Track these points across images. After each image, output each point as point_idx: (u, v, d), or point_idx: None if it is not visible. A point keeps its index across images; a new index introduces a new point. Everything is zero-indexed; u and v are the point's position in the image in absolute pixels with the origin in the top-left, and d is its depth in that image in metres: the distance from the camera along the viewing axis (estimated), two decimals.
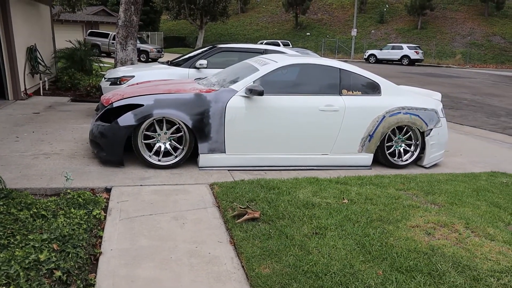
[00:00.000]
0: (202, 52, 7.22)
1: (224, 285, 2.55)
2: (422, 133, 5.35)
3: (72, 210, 3.01)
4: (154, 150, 4.53)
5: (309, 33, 46.52)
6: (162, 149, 4.57)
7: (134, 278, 2.52)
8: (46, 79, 9.68)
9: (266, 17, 50.98)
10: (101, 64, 11.18)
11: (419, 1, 42.10)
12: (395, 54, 33.94)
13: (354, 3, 46.79)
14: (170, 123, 4.54)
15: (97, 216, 3.18)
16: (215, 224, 3.35)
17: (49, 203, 3.07)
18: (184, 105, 4.45)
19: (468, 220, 3.43)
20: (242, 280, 2.61)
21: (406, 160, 5.41)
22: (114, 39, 24.39)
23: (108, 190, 3.91)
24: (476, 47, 40.00)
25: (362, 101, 5.07)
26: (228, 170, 4.68)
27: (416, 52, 33.72)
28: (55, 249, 2.45)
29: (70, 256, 2.43)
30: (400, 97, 5.30)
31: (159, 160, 4.56)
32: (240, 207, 3.40)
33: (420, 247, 2.93)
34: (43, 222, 2.74)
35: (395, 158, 5.36)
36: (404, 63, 33.11)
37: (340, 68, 5.10)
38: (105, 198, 3.68)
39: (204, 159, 4.63)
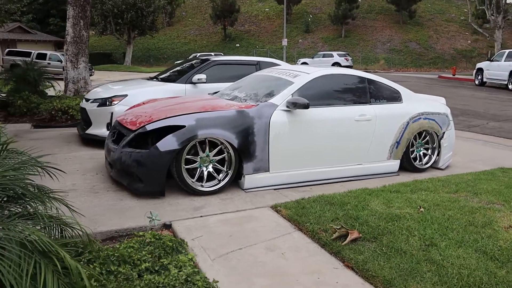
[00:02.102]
0: (194, 66, 6.88)
1: None
2: (437, 137, 5.56)
3: (174, 256, 2.61)
4: (197, 175, 4.16)
5: (238, 44, 47.08)
6: (205, 173, 4.21)
7: None
8: None
9: (193, 30, 50.69)
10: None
11: (341, 11, 44.68)
12: (327, 62, 35.49)
13: (280, 14, 48.39)
14: (212, 144, 4.21)
15: (193, 259, 2.79)
16: (314, 249, 3.13)
17: (138, 252, 2.63)
18: (228, 124, 4.16)
19: None
20: None
21: (427, 163, 5.59)
22: (38, 57, 22.54)
23: (167, 227, 3.49)
24: (396, 53, 43.36)
25: (389, 109, 5.15)
26: (274, 189, 4.45)
27: (346, 59, 35.69)
28: None
29: None
30: (418, 103, 5.48)
31: (202, 186, 4.19)
32: (340, 228, 3.22)
33: None
34: (154, 276, 2.33)
35: (417, 162, 5.51)
36: None
37: (367, 78, 5.15)
38: (170, 235, 3.28)
39: (249, 180, 4.35)
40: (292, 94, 4.55)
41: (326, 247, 3.13)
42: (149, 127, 4.09)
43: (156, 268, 2.41)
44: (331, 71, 5.01)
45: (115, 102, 6.07)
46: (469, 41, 45.13)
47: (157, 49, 46.89)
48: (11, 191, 2.02)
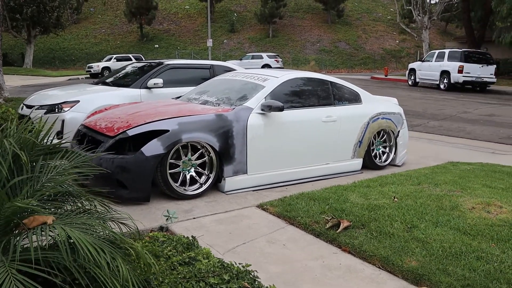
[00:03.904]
0: (146, 70, 7.23)
1: (384, 285, 3.04)
2: (394, 135, 6.52)
3: (195, 250, 3.08)
4: (180, 179, 4.60)
5: (157, 45, 46.87)
6: (188, 177, 4.66)
7: None
8: None
9: (104, 28, 49.47)
10: None
11: (268, 10, 46.50)
12: (256, 64, 36.75)
13: (202, 12, 49.03)
14: (193, 148, 4.68)
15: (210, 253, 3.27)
16: (310, 239, 3.75)
17: (164, 248, 3.07)
18: (209, 127, 4.66)
19: (494, 198, 4.56)
20: (395, 278, 3.13)
21: (385, 160, 6.51)
22: None
23: (162, 229, 3.90)
24: (326, 53, 46.09)
25: (351, 110, 5.98)
26: (253, 190, 5.02)
27: (276, 60, 37.24)
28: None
29: None
30: (376, 103, 6.39)
31: (185, 190, 4.64)
32: (332, 219, 3.88)
33: (495, 221, 3.92)
34: (188, 267, 2.79)
35: (377, 160, 6.40)
36: None
37: (330, 81, 5.93)
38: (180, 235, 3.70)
39: (230, 182, 4.88)
40: (265, 98, 5.17)
41: (321, 236, 3.77)
42: (131, 132, 4.45)
43: (186, 260, 2.86)
44: (298, 75, 5.72)
45: (66, 109, 6.24)
46: (397, 41, 49.35)
47: (63, 49, 45.10)
48: (61, 187, 2.39)
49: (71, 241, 2.00)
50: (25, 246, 2.08)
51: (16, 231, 2.01)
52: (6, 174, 1.97)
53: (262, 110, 5.05)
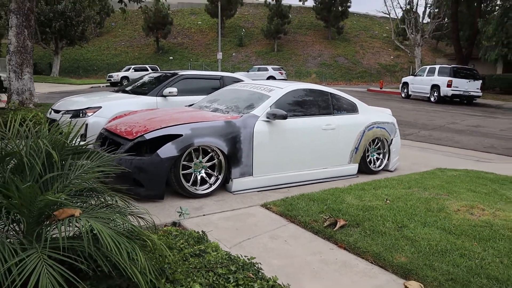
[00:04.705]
0: (162, 79, 7.31)
1: (376, 279, 3.07)
2: (387, 143, 6.54)
3: (205, 243, 3.13)
4: (192, 180, 4.65)
5: (172, 57, 47.11)
6: (199, 178, 4.72)
7: None
8: None
9: (124, 41, 49.83)
10: None
11: (273, 26, 46.69)
12: (262, 76, 36.84)
13: (213, 28, 49.32)
14: (203, 151, 4.73)
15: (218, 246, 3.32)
16: (310, 236, 3.79)
17: (177, 240, 3.12)
18: (219, 133, 4.72)
19: (477, 201, 4.57)
20: (386, 272, 3.16)
21: (379, 166, 6.54)
22: None
23: (175, 224, 3.95)
24: (326, 67, 46.13)
25: (348, 119, 6.02)
26: (258, 191, 5.06)
27: (280, 72, 37.28)
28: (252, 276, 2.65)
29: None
30: (371, 114, 6.43)
31: (196, 189, 4.69)
32: (329, 218, 3.92)
33: (477, 222, 3.94)
34: (199, 259, 2.84)
35: (372, 165, 6.43)
36: None
37: (330, 92, 5.98)
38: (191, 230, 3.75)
39: (237, 183, 4.92)
40: (270, 107, 5.23)
41: (319, 234, 3.80)
42: (148, 136, 4.52)
43: (197, 253, 2.91)
44: (300, 86, 5.77)
45: (89, 114, 6.33)
46: (392, 57, 49.34)
47: (86, 60, 45.46)
48: (86, 184, 2.45)
49: (95, 232, 2.06)
50: (53, 235, 2.14)
51: (47, 222, 2.07)
52: (40, 170, 2.04)
53: (267, 118, 5.10)
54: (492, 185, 5.54)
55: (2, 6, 28.91)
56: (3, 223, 2.10)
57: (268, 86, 5.73)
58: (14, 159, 2.24)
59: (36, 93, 11.45)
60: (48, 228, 1.99)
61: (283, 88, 5.54)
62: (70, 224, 2.07)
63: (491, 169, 6.76)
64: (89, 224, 2.01)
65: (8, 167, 2.19)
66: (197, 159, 4.69)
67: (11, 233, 2.14)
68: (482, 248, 3.44)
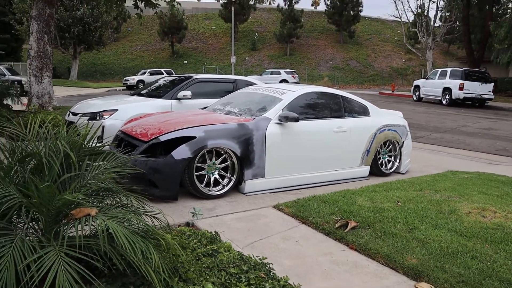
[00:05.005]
0: (176, 83, 7.36)
1: (387, 280, 3.04)
2: (399, 145, 6.48)
3: (218, 244, 3.13)
4: (205, 181, 4.67)
5: (186, 61, 47.39)
6: (212, 179, 4.73)
7: None
8: None
9: (140, 46, 50.32)
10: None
11: (286, 30, 46.67)
12: (275, 79, 36.83)
13: (226, 32, 49.52)
14: (217, 153, 4.75)
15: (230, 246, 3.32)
16: (321, 237, 3.77)
17: (190, 240, 3.13)
18: (232, 135, 4.73)
19: (489, 203, 4.50)
20: (397, 274, 3.13)
21: (391, 168, 6.48)
22: None
23: (188, 224, 3.97)
24: (338, 70, 45.91)
25: (360, 122, 5.97)
26: (270, 192, 5.06)
27: (293, 76, 37.25)
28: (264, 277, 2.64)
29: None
30: (383, 116, 6.37)
31: (209, 190, 4.70)
32: (340, 219, 3.89)
33: (489, 225, 3.87)
34: (212, 258, 2.84)
35: (383, 168, 6.37)
36: None
37: (341, 95, 5.95)
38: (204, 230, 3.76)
39: (249, 185, 4.93)
40: (282, 109, 5.22)
41: (330, 235, 3.78)
42: (162, 138, 4.55)
43: (210, 252, 2.92)
44: (312, 89, 5.75)
45: (106, 116, 6.40)
46: (403, 60, 48.88)
47: (103, 64, 46.03)
48: (102, 184, 2.48)
49: (110, 231, 2.08)
50: (70, 234, 2.17)
51: (65, 221, 2.10)
52: (58, 171, 2.07)
53: (279, 120, 5.09)
54: (504, 187, 5.44)
55: (24, 12, 29.49)
56: (22, 221, 2.14)
57: (280, 89, 5.72)
58: (33, 159, 2.28)
59: (55, 96, 11.63)
60: (66, 226, 2.02)
61: (295, 91, 5.53)
62: (86, 223, 2.09)
63: (503, 172, 6.64)
64: (105, 223, 2.03)
65: (28, 167, 2.24)
66: (211, 160, 4.71)
67: (30, 231, 2.18)
68: (494, 250, 3.38)
